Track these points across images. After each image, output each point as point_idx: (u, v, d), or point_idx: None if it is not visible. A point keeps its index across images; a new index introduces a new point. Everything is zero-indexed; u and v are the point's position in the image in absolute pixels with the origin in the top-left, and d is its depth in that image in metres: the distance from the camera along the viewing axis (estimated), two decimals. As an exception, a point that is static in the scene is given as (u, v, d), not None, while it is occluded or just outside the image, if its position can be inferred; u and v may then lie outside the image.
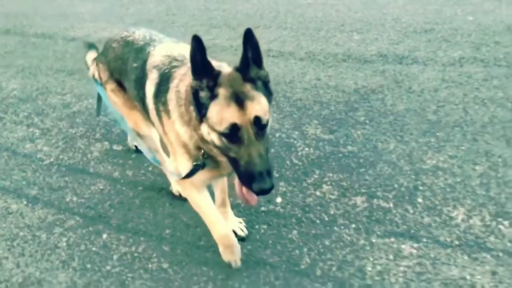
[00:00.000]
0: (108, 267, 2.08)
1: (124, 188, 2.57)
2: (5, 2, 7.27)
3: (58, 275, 2.07)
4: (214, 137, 1.40)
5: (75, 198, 2.55)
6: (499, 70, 3.15)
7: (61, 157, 2.94)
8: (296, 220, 2.17)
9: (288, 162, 2.57)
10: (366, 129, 2.74)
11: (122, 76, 2.08)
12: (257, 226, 2.16)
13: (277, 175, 2.47)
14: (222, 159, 1.51)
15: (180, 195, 2.40)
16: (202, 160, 1.59)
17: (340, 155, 2.56)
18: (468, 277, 1.77)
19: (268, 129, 1.41)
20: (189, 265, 2.03)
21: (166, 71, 1.70)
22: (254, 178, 1.33)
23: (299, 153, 2.63)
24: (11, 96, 3.89)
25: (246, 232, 2.12)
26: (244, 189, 1.45)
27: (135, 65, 1.93)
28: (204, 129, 1.42)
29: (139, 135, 2.31)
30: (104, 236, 2.26)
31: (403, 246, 1.94)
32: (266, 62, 4.03)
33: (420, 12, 4.38)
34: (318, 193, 2.32)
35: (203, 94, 1.39)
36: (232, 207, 2.18)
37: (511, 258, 1.81)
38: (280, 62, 3.79)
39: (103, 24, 5.44)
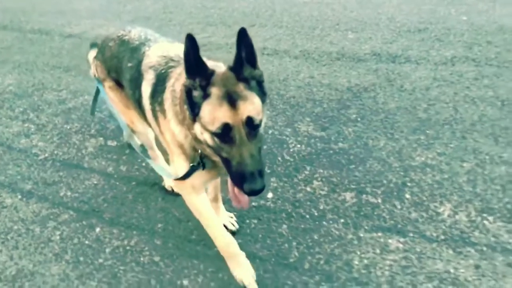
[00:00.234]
0: (100, 260, 2.11)
1: (117, 183, 2.60)
2: (3, -1, 7.28)
3: (51, 268, 2.11)
4: (207, 137, 1.39)
5: (69, 193, 2.58)
6: (490, 69, 3.19)
7: (56, 152, 2.97)
8: (286, 215, 2.20)
9: (280, 158, 2.60)
10: (358, 126, 2.78)
11: (118, 74, 2.09)
12: (247, 221, 2.19)
13: (268, 171, 2.51)
14: (217, 159, 1.49)
15: (172, 190, 2.43)
16: (199, 160, 1.57)
17: (331, 151, 2.59)
18: (452, 270, 1.81)
19: (261, 129, 1.40)
20: (180, 258, 2.06)
21: (163, 71, 1.69)
22: (245, 179, 1.32)
23: (291, 150, 2.66)
24: (7, 92, 3.91)
25: (237, 226, 2.15)
26: (236, 190, 1.44)
27: (130, 65, 1.92)
28: (197, 128, 1.41)
29: (134, 132, 2.34)
30: (97, 229, 2.29)
31: (390, 241, 1.98)
32: (261, 60, 4.05)
33: (414, 12, 4.41)
34: (308, 188, 2.35)
35: (196, 93, 1.38)
36: (224, 202, 2.21)
37: (495, 253, 1.85)
38: (275, 60, 3.82)
39: (100, 21, 5.46)
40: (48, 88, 3.88)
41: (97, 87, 2.41)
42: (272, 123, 2.92)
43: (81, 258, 2.13)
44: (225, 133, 1.33)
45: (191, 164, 1.59)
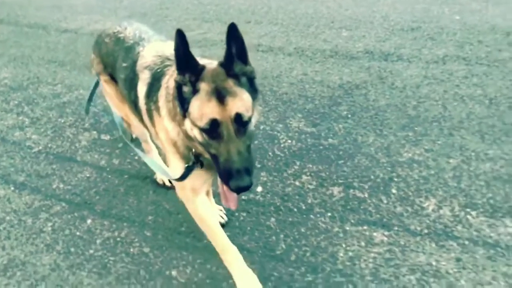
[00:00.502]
0: (91, 251, 2.15)
1: (110, 176, 2.63)
2: (-1, -7, 7.27)
3: (42, 258, 2.14)
4: (196, 133, 1.38)
5: (61, 185, 2.61)
6: (480, 68, 3.23)
7: (49, 145, 3.00)
8: (275, 208, 2.24)
9: (270, 153, 2.64)
10: (348, 123, 2.82)
11: (114, 71, 2.09)
12: (236, 214, 2.23)
13: (259, 165, 2.54)
14: (208, 156, 1.47)
15: (163, 183, 2.47)
16: (194, 160, 1.55)
17: (321, 147, 2.63)
18: (434, 263, 1.85)
19: (252, 126, 1.39)
20: (169, 249, 2.10)
21: (158, 70, 1.68)
22: (231, 175, 1.30)
23: (282, 145, 2.70)
24: (2, 85, 3.93)
25: (226, 219, 2.19)
26: (226, 188, 1.42)
27: (124, 65, 1.91)
28: (187, 124, 1.40)
29: (129, 125, 2.36)
30: (89, 221, 2.32)
31: (375, 234, 2.02)
32: (255, 57, 4.09)
33: (408, 11, 4.45)
34: (297, 183, 2.39)
35: (186, 89, 1.38)
36: (214, 196, 2.24)
37: (476, 246, 1.90)
38: (269, 57, 3.85)
39: (97, 17, 5.48)
40: (43, 82, 3.90)
41: (93, 85, 2.42)
42: (264, 119, 2.96)
43: (72, 249, 2.17)
44: (213, 129, 1.32)
45: (186, 165, 1.57)
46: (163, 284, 1.93)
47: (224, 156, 1.32)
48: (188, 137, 1.46)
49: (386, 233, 2.02)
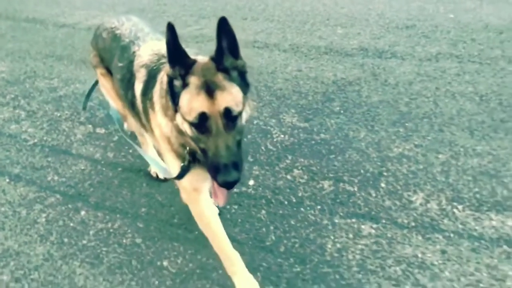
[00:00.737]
0: (84, 242, 2.18)
1: (104, 168, 2.66)
2: (-2, -13, 7.27)
3: (36, 248, 2.17)
4: (186, 127, 1.38)
5: (56, 177, 2.64)
6: (472, 66, 3.26)
7: (45, 138, 3.03)
8: (266, 201, 2.28)
9: (263, 148, 2.67)
10: (340, 118, 2.85)
11: (110, 67, 2.10)
12: (228, 206, 2.26)
13: (251, 159, 2.58)
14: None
15: (157, 176, 2.50)
16: (189, 159, 1.53)
17: (313, 142, 2.67)
18: (419, 255, 1.89)
19: (243, 120, 1.38)
20: (161, 240, 2.13)
21: (154, 67, 1.67)
22: (219, 170, 1.30)
23: (275, 140, 2.73)
24: (-1, 79, 3.96)
25: (217, 211, 2.22)
26: (216, 185, 1.41)
27: (120, 64, 1.90)
28: (178, 119, 1.40)
29: (125, 118, 2.39)
30: (82, 213, 2.36)
31: (363, 226, 2.06)
32: (251, 53, 4.10)
33: (404, 9, 4.47)
34: (289, 176, 2.42)
35: (177, 83, 1.38)
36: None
37: (461, 239, 1.93)
38: (265, 53, 3.88)
39: (94, 12, 5.49)
40: (40, 76, 3.92)
41: (93, 84, 2.44)
42: (258, 114, 2.99)
43: (66, 240, 2.20)
44: (202, 123, 1.31)
45: (181, 164, 1.56)
46: (154, 274, 1.97)
47: (212, 151, 1.32)
48: (180, 132, 1.46)
49: (374, 225, 2.06)
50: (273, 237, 2.07)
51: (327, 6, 4.82)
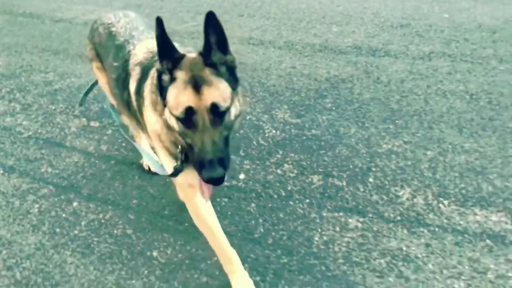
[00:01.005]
0: (75, 232, 2.21)
1: (97, 161, 2.69)
2: (-4, -19, 7.26)
3: (28, 238, 2.20)
4: (173, 122, 1.37)
5: (50, 169, 2.67)
6: (464, 65, 3.30)
7: (39, 131, 3.05)
8: (256, 194, 2.31)
9: (254, 143, 2.70)
10: (332, 115, 2.89)
11: (105, 62, 2.10)
12: (218, 199, 2.30)
13: (243, 154, 2.61)
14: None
15: (149, 169, 2.53)
16: (181, 158, 1.52)
17: (304, 137, 2.70)
18: (404, 248, 1.93)
19: (232, 116, 1.37)
20: (152, 232, 2.17)
21: (148, 64, 1.67)
22: (204, 166, 1.28)
23: (266, 135, 2.76)
24: (-5, 72, 3.98)
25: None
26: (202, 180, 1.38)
27: (115, 64, 1.89)
28: (166, 113, 1.39)
29: (120, 113, 2.41)
30: (75, 204, 2.39)
31: (350, 220, 2.10)
32: (246, 49, 4.13)
33: (399, 8, 4.51)
34: (279, 171, 2.46)
35: (165, 78, 1.37)
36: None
37: (445, 233, 1.97)
38: (260, 50, 3.91)
39: (91, 7, 5.50)
40: (36, 70, 3.94)
41: (92, 83, 2.45)
42: (251, 110, 3.02)
43: (58, 230, 2.23)
44: (188, 118, 1.30)
45: (174, 164, 1.55)
46: (144, 263, 2.00)
47: (198, 146, 1.31)
48: (169, 127, 1.45)
49: (360, 219, 2.10)
50: (262, 230, 2.10)
51: (323, 4, 4.85)
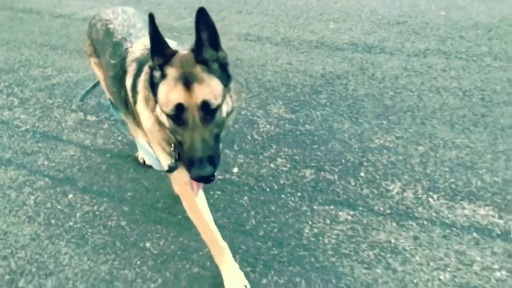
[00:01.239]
0: (70, 223, 2.25)
1: (93, 154, 2.73)
2: (-4, -23, 7.28)
3: (24, 229, 2.24)
4: (164, 119, 1.36)
5: (46, 162, 2.70)
6: (458, 62, 3.32)
7: (36, 124, 3.08)
8: (249, 188, 2.34)
9: (249, 137, 2.73)
10: (326, 110, 2.91)
11: (101, 58, 2.10)
12: (211, 192, 2.33)
13: (237, 148, 2.64)
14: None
15: (144, 162, 2.56)
16: (175, 155, 1.51)
17: (298, 132, 2.73)
18: (393, 240, 1.96)
19: (223, 113, 1.36)
20: (145, 223, 2.20)
21: (144, 60, 1.65)
22: (193, 163, 1.27)
23: (260, 130, 2.79)
24: (-6, 67, 4.01)
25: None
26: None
27: (113, 62, 1.88)
28: (158, 110, 1.39)
29: (116, 108, 2.43)
30: (70, 196, 2.42)
31: (340, 213, 2.13)
32: (243, 45, 4.14)
33: (396, 5, 4.52)
34: (272, 165, 2.49)
35: (156, 74, 1.36)
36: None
37: (433, 226, 2.00)
38: (257, 46, 3.93)
39: (90, 3, 5.52)
40: (34, 65, 3.97)
41: (94, 83, 2.45)
42: (246, 105, 3.05)
43: (53, 221, 2.27)
44: (178, 115, 1.29)
45: (169, 163, 1.55)
46: (137, 254, 2.03)
47: (188, 144, 1.30)
48: (160, 124, 1.45)
49: (351, 212, 2.13)
50: (253, 222, 2.13)
51: (320, 1, 4.86)
